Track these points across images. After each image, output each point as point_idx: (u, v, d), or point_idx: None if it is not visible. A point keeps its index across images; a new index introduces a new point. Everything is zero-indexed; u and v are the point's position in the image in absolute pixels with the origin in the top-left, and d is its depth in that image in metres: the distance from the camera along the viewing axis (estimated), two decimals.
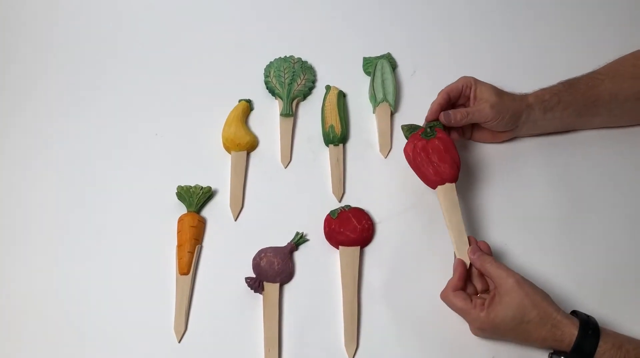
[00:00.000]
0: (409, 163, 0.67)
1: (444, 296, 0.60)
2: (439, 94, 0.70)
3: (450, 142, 0.66)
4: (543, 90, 0.70)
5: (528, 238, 0.67)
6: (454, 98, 0.70)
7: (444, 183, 0.64)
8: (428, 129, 0.67)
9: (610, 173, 0.70)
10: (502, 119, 0.68)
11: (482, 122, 0.69)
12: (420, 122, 0.76)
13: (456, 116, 0.68)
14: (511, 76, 0.79)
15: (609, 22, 0.84)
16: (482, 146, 0.74)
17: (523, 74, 0.79)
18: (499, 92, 0.69)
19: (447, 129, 0.69)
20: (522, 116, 0.69)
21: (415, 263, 0.66)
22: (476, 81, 0.70)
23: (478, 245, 0.62)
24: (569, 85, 0.69)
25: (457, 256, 0.61)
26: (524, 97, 0.69)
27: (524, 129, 0.71)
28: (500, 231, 0.68)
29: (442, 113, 0.68)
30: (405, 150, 0.67)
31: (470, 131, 0.73)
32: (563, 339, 0.54)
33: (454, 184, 0.64)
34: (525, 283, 0.56)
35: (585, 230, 0.67)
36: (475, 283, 0.61)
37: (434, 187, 0.65)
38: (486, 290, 0.61)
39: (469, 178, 0.71)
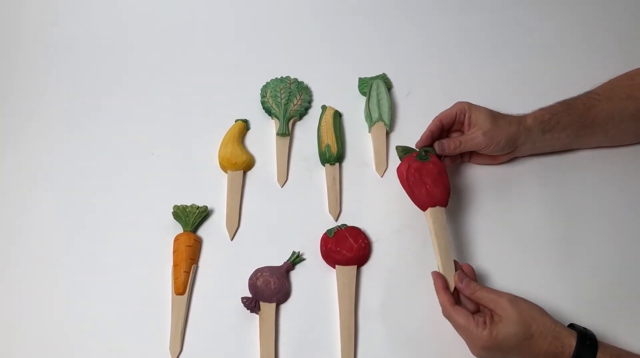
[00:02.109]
0: (402, 182, 0.67)
1: (446, 314, 0.59)
2: (432, 121, 0.69)
3: (443, 168, 0.66)
4: (542, 110, 0.69)
5: (523, 256, 0.68)
6: (448, 125, 0.70)
7: (434, 206, 0.64)
8: (423, 153, 0.67)
9: (603, 191, 0.71)
10: (497, 145, 0.68)
11: (476, 150, 0.69)
12: (416, 141, 0.77)
13: (450, 146, 0.68)
14: (506, 96, 0.80)
15: (602, 42, 0.85)
16: (476, 166, 0.75)
17: (518, 94, 0.80)
18: (494, 117, 0.68)
19: (441, 156, 0.69)
20: (519, 139, 0.69)
21: (412, 283, 0.66)
22: (470, 106, 0.69)
23: (462, 268, 0.62)
24: (567, 105, 0.69)
25: (442, 271, 0.61)
26: (521, 119, 0.69)
27: (522, 150, 0.71)
28: (496, 251, 0.68)
29: (436, 143, 0.68)
30: (399, 169, 0.67)
31: (468, 154, 0.73)
32: (563, 351, 0.55)
33: (444, 208, 0.64)
34: (519, 300, 0.57)
35: (580, 247, 0.68)
36: (466, 305, 0.61)
37: (424, 208, 0.65)
38: (477, 311, 0.60)
39: (463, 198, 0.72)
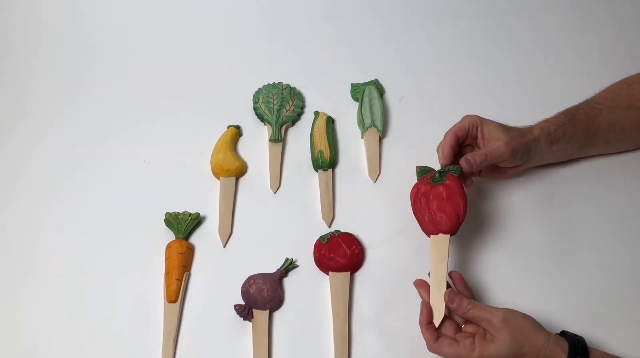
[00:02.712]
0: (412, 207, 0.65)
1: (431, 350, 0.58)
2: (446, 135, 0.66)
3: (457, 191, 0.63)
4: (546, 122, 0.69)
5: (518, 262, 0.68)
6: (462, 138, 0.67)
7: (437, 233, 0.62)
8: (437, 175, 0.64)
9: (598, 198, 0.71)
10: (517, 155, 0.67)
11: (498, 163, 0.67)
12: (409, 147, 0.77)
13: (476, 160, 0.64)
14: (502, 101, 0.81)
15: (599, 47, 0.86)
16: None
17: (514, 99, 0.81)
18: (506, 129, 0.67)
19: (463, 175, 0.65)
20: (531, 150, 0.68)
21: (406, 289, 0.65)
22: (481, 119, 0.67)
23: (451, 276, 0.62)
24: (571, 116, 0.69)
25: (430, 302, 0.60)
26: (529, 130, 0.68)
27: (531, 162, 0.70)
28: (491, 258, 0.68)
29: (462, 160, 0.65)
30: (410, 193, 0.65)
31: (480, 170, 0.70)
32: None
33: (448, 236, 0.61)
34: (513, 318, 0.56)
35: (575, 252, 0.68)
36: (456, 319, 0.60)
37: (427, 235, 0.63)
38: (467, 321, 0.60)
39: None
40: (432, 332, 0.58)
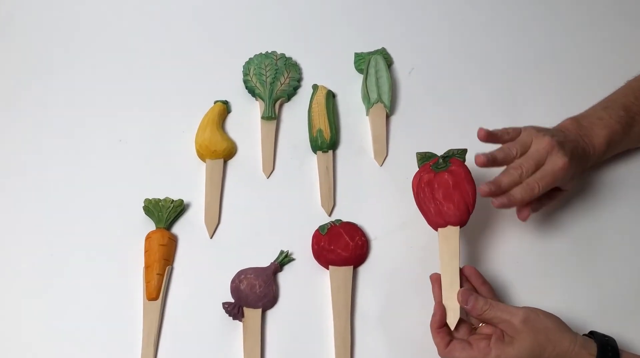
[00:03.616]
0: (414, 198, 0.65)
1: (443, 355, 0.59)
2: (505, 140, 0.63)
3: (465, 176, 0.63)
4: (608, 138, 0.67)
5: (542, 256, 0.68)
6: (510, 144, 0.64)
7: (445, 226, 0.62)
8: (441, 160, 0.64)
9: (633, 189, 0.72)
10: (571, 180, 0.65)
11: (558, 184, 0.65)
12: (421, 125, 0.78)
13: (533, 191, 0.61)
14: (524, 72, 0.81)
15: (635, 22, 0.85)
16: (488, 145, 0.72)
17: (535, 69, 0.81)
18: (574, 150, 0.64)
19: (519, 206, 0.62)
20: (604, 154, 0.68)
21: (416, 285, 0.66)
22: (551, 150, 0.62)
23: (464, 273, 0.62)
24: (627, 125, 0.67)
25: (443, 302, 0.60)
26: (595, 147, 0.66)
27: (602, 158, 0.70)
28: (513, 251, 0.69)
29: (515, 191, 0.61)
30: (412, 183, 0.66)
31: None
32: None
33: (457, 228, 0.62)
34: (535, 317, 0.57)
35: (605, 247, 0.69)
36: (470, 319, 0.61)
37: (434, 228, 0.63)
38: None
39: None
40: (443, 336, 0.59)
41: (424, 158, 0.67)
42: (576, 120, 0.68)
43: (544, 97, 0.74)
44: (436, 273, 0.63)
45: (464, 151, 0.66)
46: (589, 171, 0.72)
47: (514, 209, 0.66)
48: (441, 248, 0.62)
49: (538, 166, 0.63)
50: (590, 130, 0.67)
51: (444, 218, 0.63)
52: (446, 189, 0.63)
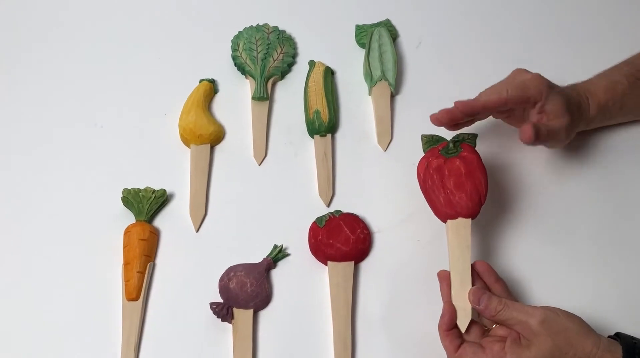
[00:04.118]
0: (420, 185, 0.65)
1: None
2: (492, 94, 0.65)
3: (477, 164, 0.64)
4: (606, 93, 0.69)
5: (563, 250, 0.68)
6: (508, 107, 0.66)
7: (455, 217, 0.62)
8: (451, 145, 0.64)
9: None
10: (570, 138, 0.68)
11: (548, 146, 0.68)
12: (429, 105, 0.76)
13: (541, 131, 0.63)
14: (538, 43, 0.81)
15: None
16: (503, 144, 0.74)
17: (553, 41, 0.81)
18: (567, 102, 0.66)
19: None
20: (593, 123, 0.70)
21: (422, 283, 0.66)
22: (549, 90, 0.65)
23: (476, 269, 0.62)
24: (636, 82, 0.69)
25: (453, 301, 0.60)
26: (593, 99, 0.68)
27: (577, 129, 0.70)
28: (529, 244, 0.69)
29: (526, 128, 0.63)
30: (417, 168, 0.66)
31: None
32: None
33: (469, 220, 0.62)
34: (554, 318, 0.57)
35: (633, 240, 0.68)
36: (483, 320, 0.61)
37: (443, 220, 0.63)
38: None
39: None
40: (452, 338, 0.59)
41: (431, 141, 0.66)
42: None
43: (562, 71, 0.73)
44: (445, 270, 0.63)
45: (475, 135, 0.66)
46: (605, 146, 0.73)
47: (530, 203, 0.67)
48: (450, 242, 0.62)
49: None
50: (586, 82, 0.70)
51: (455, 208, 0.62)
52: (458, 177, 0.63)
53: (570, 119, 0.66)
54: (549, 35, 0.82)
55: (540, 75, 0.67)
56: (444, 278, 0.62)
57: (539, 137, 0.64)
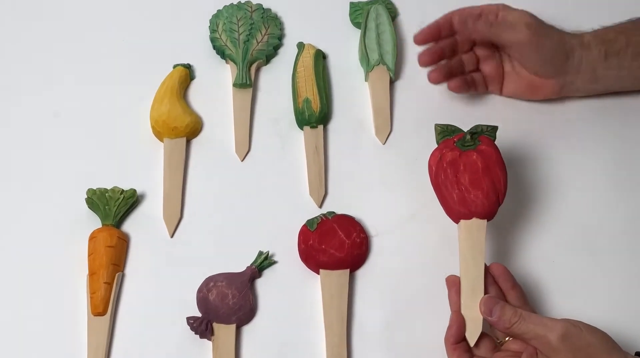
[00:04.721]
0: (430, 179, 0.66)
1: None
2: (443, 16, 0.71)
3: (497, 159, 0.64)
4: (606, 29, 0.71)
5: (583, 251, 0.69)
6: (462, 24, 0.71)
7: (470, 217, 0.63)
8: (468, 137, 0.65)
9: None
10: (542, 46, 0.69)
11: (511, 45, 0.70)
12: (433, 93, 0.78)
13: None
14: (558, 17, 0.79)
15: None
16: (511, 117, 0.74)
17: (572, 18, 0.79)
18: (539, 20, 0.70)
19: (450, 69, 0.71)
20: (574, 55, 0.70)
21: (426, 293, 0.66)
22: (505, 6, 0.70)
23: (492, 272, 0.62)
24: None
25: (462, 311, 0.60)
26: (577, 34, 0.71)
27: (578, 80, 0.71)
28: (544, 244, 0.69)
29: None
30: (429, 160, 0.66)
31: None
32: None
33: (484, 221, 0.62)
34: (576, 333, 0.56)
35: None
36: (495, 332, 0.61)
37: (455, 220, 0.64)
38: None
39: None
40: (460, 353, 0.59)
41: (445, 132, 0.66)
42: None
43: None
44: (454, 275, 0.63)
45: (495, 128, 0.66)
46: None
47: (550, 201, 0.68)
48: (463, 245, 0.62)
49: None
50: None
51: (470, 208, 0.63)
52: (474, 174, 0.63)
53: (536, 21, 0.69)
54: (563, 10, 0.82)
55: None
56: (454, 284, 0.62)
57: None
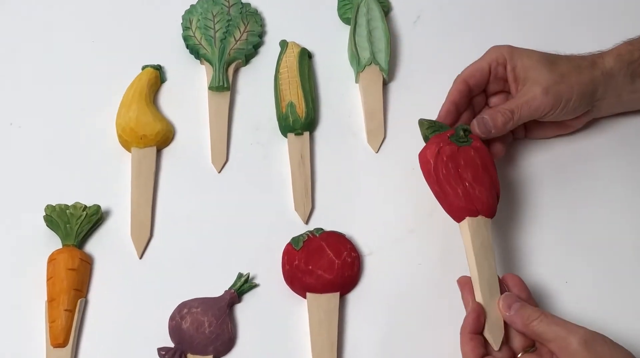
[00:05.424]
0: (426, 175, 0.67)
1: None
2: (454, 84, 0.70)
3: (490, 158, 0.67)
4: (630, 45, 0.71)
5: (599, 271, 0.69)
6: (479, 86, 0.71)
7: (476, 215, 0.64)
8: (462, 132, 0.67)
9: None
10: (566, 105, 0.69)
11: (536, 118, 0.70)
12: (429, 96, 0.77)
13: (497, 122, 0.68)
14: (563, 25, 0.82)
15: None
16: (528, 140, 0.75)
17: (582, 22, 0.82)
18: (553, 63, 0.69)
19: (486, 141, 0.69)
20: (598, 91, 0.70)
21: (426, 317, 0.67)
22: (512, 51, 0.70)
23: (505, 283, 0.63)
24: None
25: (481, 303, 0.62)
26: (596, 59, 0.71)
27: (603, 108, 0.72)
28: (559, 261, 0.69)
29: (474, 121, 0.68)
30: (422, 155, 0.67)
31: (523, 127, 0.73)
32: None
33: (489, 220, 0.65)
34: (598, 342, 0.57)
35: None
36: (514, 342, 0.62)
37: (459, 218, 0.65)
38: (531, 345, 0.62)
39: (510, 184, 0.73)
40: (476, 345, 0.60)
41: (434, 127, 0.68)
42: None
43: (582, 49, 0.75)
44: (464, 276, 0.64)
45: None
46: None
47: (562, 207, 0.70)
48: (472, 244, 0.63)
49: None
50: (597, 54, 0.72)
51: (476, 204, 0.64)
52: (475, 170, 0.65)
53: (553, 79, 0.68)
54: (565, 9, 0.83)
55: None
56: (466, 284, 0.63)
57: (498, 124, 0.68)
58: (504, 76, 0.71)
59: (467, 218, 0.64)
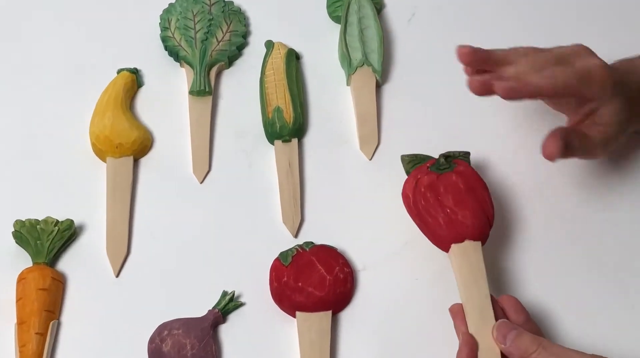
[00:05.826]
0: (408, 210, 0.68)
1: None
2: (542, 83, 0.64)
3: (478, 179, 0.68)
4: None
5: (605, 290, 0.69)
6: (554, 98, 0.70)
7: (461, 240, 0.65)
8: (442, 160, 0.68)
9: None
10: (610, 148, 0.69)
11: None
12: (425, 99, 0.79)
13: (574, 143, 0.66)
14: (559, 22, 0.82)
15: None
16: (518, 125, 0.75)
17: (574, 18, 0.83)
18: (624, 107, 0.67)
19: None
20: None
21: (422, 336, 0.67)
22: (613, 88, 0.66)
23: (502, 305, 0.63)
24: None
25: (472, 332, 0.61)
26: (633, 68, 0.70)
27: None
28: (561, 282, 0.69)
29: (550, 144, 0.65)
30: (403, 191, 0.69)
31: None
32: None
33: (479, 243, 0.65)
34: None
35: None
36: None
37: (445, 248, 0.66)
38: None
39: (507, 200, 0.73)
40: None
41: (416, 160, 0.70)
42: None
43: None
44: (458, 304, 0.63)
45: (467, 153, 0.70)
46: None
47: (565, 224, 0.69)
48: (460, 271, 0.64)
49: (559, 62, 0.66)
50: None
51: (459, 229, 0.65)
52: (457, 193, 0.66)
53: (618, 128, 0.68)
54: (564, 7, 0.84)
55: (607, 65, 0.67)
56: (458, 312, 0.63)
57: (568, 153, 0.65)
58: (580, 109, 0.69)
59: (453, 245, 0.65)
